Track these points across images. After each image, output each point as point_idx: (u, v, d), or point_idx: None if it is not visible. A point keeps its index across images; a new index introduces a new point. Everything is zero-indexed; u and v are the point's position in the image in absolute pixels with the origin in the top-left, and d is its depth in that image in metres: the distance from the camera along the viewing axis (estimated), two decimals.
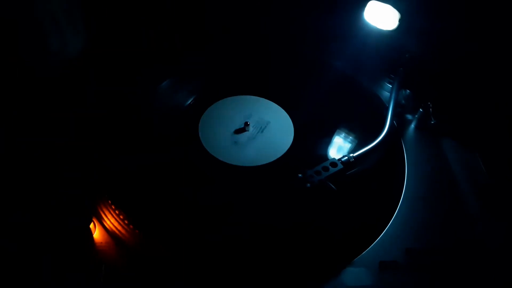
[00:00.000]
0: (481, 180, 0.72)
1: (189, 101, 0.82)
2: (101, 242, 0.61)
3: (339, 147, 0.76)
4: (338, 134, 0.78)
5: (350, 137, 0.78)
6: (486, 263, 0.61)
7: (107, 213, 0.64)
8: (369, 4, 0.80)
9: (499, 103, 0.81)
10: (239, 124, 0.77)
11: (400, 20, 0.78)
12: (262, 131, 0.77)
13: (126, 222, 0.62)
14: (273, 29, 0.96)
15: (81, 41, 0.82)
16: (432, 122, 0.80)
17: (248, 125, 0.76)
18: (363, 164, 0.72)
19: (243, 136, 0.76)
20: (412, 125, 0.81)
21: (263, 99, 0.83)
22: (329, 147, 0.76)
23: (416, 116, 0.81)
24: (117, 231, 0.62)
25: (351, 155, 0.69)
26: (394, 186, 0.70)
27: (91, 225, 0.61)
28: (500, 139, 0.77)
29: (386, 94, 0.85)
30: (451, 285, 0.60)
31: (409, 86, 0.83)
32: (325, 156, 0.74)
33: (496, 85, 0.81)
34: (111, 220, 0.63)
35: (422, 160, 0.75)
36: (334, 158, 0.69)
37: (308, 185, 0.65)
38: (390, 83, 0.85)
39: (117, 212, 0.63)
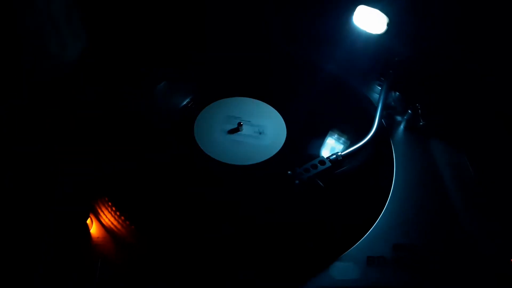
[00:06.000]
0: (468, 179, 0.74)
1: (185, 102, 0.84)
2: (98, 237, 0.63)
3: (329, 146, 0.78)
4: (329, 134, 0.80)
5: (340, 137, 0.80)
6: (470, 258, 0.63)
7: (104, 209, 0.65)
8: (358, 8, 0.82)
9: (486, 104, 0.83)
10: (233, 125, 0.79)
11: (388, 24, 0.80)
12: (255, 131, 0.79)
13: (122, 218, 0.64)
14: (267, 33, 0.99)
15: (80, 43, 0.84)
16: (421, 123, 0.81)
17: (241, 125, 0.78)
18: (352, 162, 0.74)
19: (237, 136, 0.78)
20: (402, 126, 0.83)
21: (256, 100, 0.85)
22: (319, 147, 0.78)
23: (405, 117, 0.83)
24: (113, 227, 0.64)
25: (339, 153, 0.71)
26: (382, 184, 0.72)
27: (88, 221, 0.63)
28: (487, 140, 0.79)
29: (376, 96, 0.86)
30: (436, 280, 0.61)
31: (398, 88, 0.85)
32: (315, 155, 0.75)
33: (483, 86, 0.84)
34: (107, 216, 0.65)
35: (411, 159, 0.77)
36: (322, 156, 0.71)
37: (297, 181, 0.67)
38: (380, 86, 0.86)
39: (113, 208, 0.65)
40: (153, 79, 0.87)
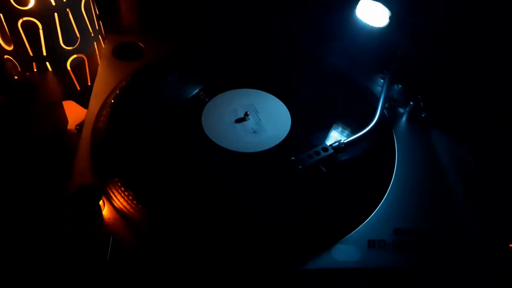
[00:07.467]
0: (468, 169, 0.76)
1: (193, 94, 0.87)
2: (109, 218, 0.65)
3: (332, 135, 0.81)
4: (332, 124, 0.83)
5: (343, 127, 0.83)
6: (468, 244, 0.65)
7: (115, 192, 0.68)
8: (360, 2, 0.84)
9: (486, 104, 0.85)
10: (240, 114, 0.82)
11: (390, 18, 0.82)
12: (261, 121, 0.82)
13: (132, 200, 0.67)
14: (271, 28, 1.00)
15: (92, 37, 0.87)
16: (423, 115, 0.83)
17: (247, 115, 0.81)
18: (355, 151, 0.76)
19: (243, 125, 0.81)
20: (404, 118, 0.85)
21: (262, 91, 0.88)
22: (323, 136, 0.80)
23: (407, 109, 0.85)
24: (124, 208, 0.66)
25: (342, 141, 0.74)
26: (385, 172, 0.74)
27: (100, 202, 0.66)
28: (486, 140, 0.81)
29: (379, 89, 0.88)
30: (434, 263, 0.64)
31: (400, 81, 0.87)
32: (318, 145, 0.77)
33: (483, 86, 0.85)
34: (119, 199, 0.67)
35: (412, 149, 0.79)
36: (325, 144, 0.74)
37: (300, 167, 0.69)
38: (383, 79, 0.88)
39: (125, 192, 0.68)
40: (153, 79, 0.89)
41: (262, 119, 0.82)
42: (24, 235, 0.63)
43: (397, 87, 0.88)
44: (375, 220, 0.67)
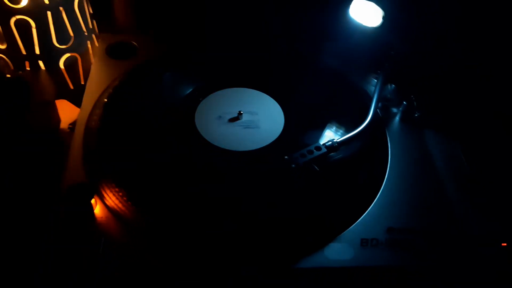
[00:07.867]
0: (460, 168, 0.76)
1: (187, 93, 0.87)
2: (102, 217, 0.65)
3: (325, 135, 0.81)
4: (326, 124, 0.83)
5: (337, 126, 0.83)
6: (463, 243, 0.66)
7: (108, 191, 0.68)
8: (353, 2, 0.84)
9: (485, 104, 0.85)
10: (233, 113, 0.82)
11: (383, 17, 0.82)
12: (254, 120, 0.82)
13: (125, 199, 0.66)
14: (267, 33, 1.01)
15: (85, 36, 0.87)
16: (416, 115, 0.84)
17: (241, 114, 0.81)
18: (349, 150, 0.77)
19: (237, 124, 0.81)
20: (397, 118, 0.85)
21: (256, 91, 0.88)
22: (316, 135, 0.81)
23: (401, 108, 0.85)
24: (116, 207, 0.66)
25: (335, 140, 0.74)
26: (378, 171, 0.74)
27: (92, 201, 0.65)
28: (485, 140, 0.81)
29: (373, 88, 0.87)
30: (426, 262, 0.64)
31: (394, 81, 0.87)
32: (312, 143, 0.77)
33: (481, 86, 0.85)
34: (111, 198, 0.67)
35: (406, 148, 0.79)
36: (319, 143, 0.74)
37: (293, 165, 0.70)
38: (376, 78, 0.88)
39: (117, 190, 0.67)
40: (153, 79, 0.89)
41: (255, 118, 0.82)
42: (24, 235, 0.62)
43: (391, 86, 0.88)
44: (368, 219, 0.67)
